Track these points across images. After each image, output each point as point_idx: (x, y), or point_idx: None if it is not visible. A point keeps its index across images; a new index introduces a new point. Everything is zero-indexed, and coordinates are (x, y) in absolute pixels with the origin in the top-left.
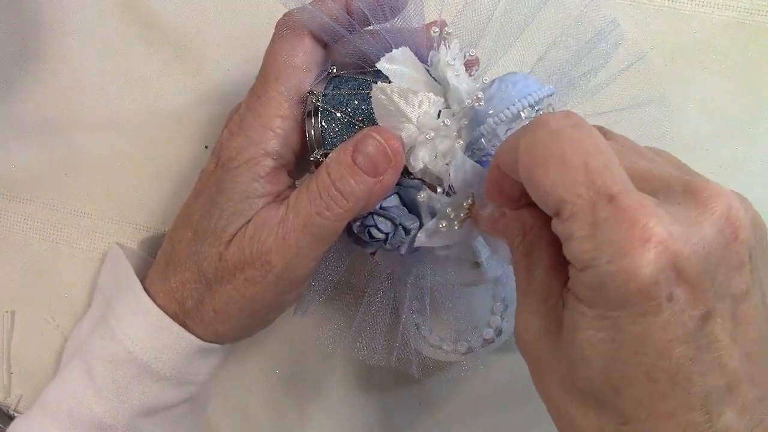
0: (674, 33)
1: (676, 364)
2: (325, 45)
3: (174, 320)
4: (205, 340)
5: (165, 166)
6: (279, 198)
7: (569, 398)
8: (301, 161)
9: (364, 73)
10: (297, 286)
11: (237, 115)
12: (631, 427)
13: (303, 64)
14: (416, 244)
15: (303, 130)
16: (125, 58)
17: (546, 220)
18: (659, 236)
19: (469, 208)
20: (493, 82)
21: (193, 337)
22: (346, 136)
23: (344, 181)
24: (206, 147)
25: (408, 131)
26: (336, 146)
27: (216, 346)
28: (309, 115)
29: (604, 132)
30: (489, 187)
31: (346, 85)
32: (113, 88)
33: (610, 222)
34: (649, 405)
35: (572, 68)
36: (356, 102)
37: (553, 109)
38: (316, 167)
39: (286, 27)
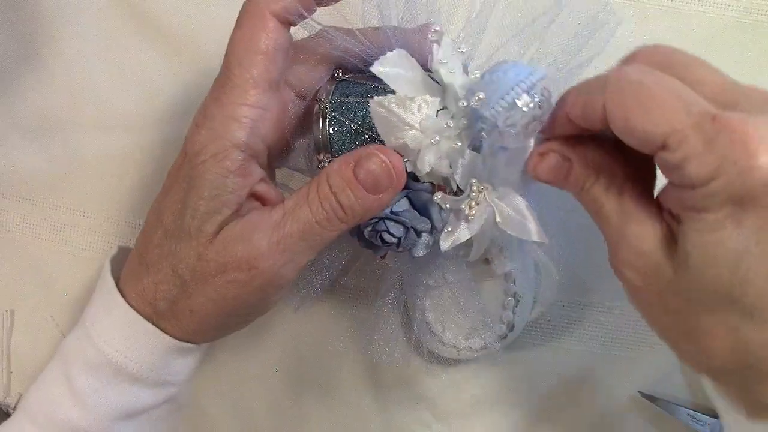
0: (674, 33)
1: None
2: (291, 26)
3: (148, 321)
4: (181, 340)
5: (165, 166)
6: (252, 192)
7: (693, 306)
8: (275, 152)
9: (371, 78)
10: (279, 290)
11: (201, 105)
12: (756, 319)
13: (267, 48)
14: (442, 249)
15: (275, 119)
16: (125, 57)
17: (616, 157)
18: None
19: (479, 192)
20: (483, 74)
21: (167, 336)
22: (353, 145)
23: (345, 194)
24: None
25: (413, 137)
26: (342, 153)
27: (193, 345)
28: (317, 120)
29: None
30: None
31: (354, 92)
32: (113, 88)
33: (722, 135)
34: None
35: (569, 59)
36: (364, 111)
37: (549, 92)
38: (316, 167)
39: (247, 11)
